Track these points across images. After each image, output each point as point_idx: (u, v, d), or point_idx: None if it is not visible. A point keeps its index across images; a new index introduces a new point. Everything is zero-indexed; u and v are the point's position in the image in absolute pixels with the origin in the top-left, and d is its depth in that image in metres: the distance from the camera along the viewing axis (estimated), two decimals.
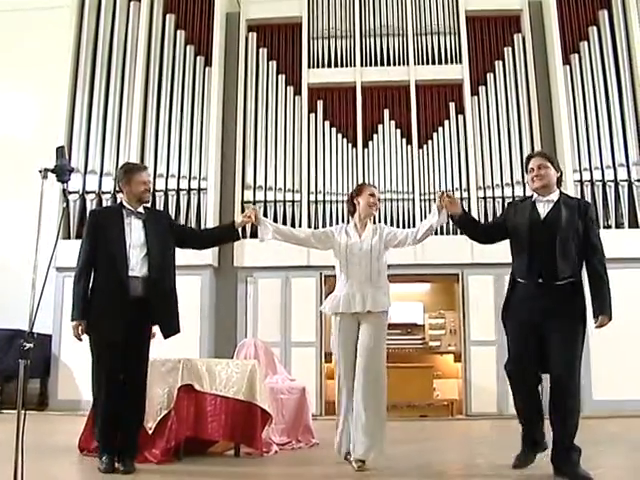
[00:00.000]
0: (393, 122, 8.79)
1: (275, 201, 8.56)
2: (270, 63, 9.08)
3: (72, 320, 3.86)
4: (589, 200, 8.00)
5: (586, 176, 8.15)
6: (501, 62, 8.83)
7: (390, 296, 4.19)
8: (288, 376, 5.70)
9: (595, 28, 8.60)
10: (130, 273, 3.87)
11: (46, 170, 3.28)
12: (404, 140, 8.71)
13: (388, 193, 8.44)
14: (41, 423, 6.39)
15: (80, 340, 3.87)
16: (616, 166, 8.12)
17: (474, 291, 8.04)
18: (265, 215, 8.45)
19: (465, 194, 8.40)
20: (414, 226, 8.24)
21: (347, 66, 9.01)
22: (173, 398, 4.19)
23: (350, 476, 3.81)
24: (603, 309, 3.67)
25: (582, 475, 3.45)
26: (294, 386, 5.33)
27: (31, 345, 3.01)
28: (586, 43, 8.56)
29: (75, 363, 7.85)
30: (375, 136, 8.76)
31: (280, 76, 9.02)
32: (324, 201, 8.54)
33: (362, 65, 8.98)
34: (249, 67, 9.09)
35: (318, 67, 9.03)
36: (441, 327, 8.32)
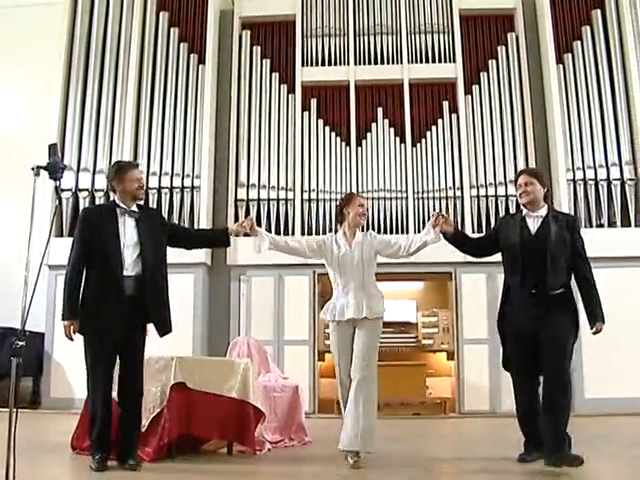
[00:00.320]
0: (387, 120, 8.80)
1: (268, 199, 8.55)
2: (264, 61, 9.06)
3: (64, 319, 3.83)
4: (582, 199, 8.10)
5: (579, 175, 8.17)
6: (495, 61, 8.84)
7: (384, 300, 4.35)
8: (281, 374, 5.70)
9: (588, 28, 8.62)
10: (124, 272, 3.86)
11: (38, 167, 3.27)
12: (397, 139, 8.71)
13: (381, 192, 8.46)
14: (33, 421, 6.38)
15: (72, 340, 3.85)
16: (609, 165, 8.15)
17: (467, 289, 8.07)
18: (258, 213, 8.47)
19: (458, 192, 8.42)
20: (407, 225, 8.29)
21: (341, 64, 9.01)
22: (166, 396, 4.18)
23: (343, 474, 3.82)
24: (597, 316, 3.95)
25: (573, 456, 3.61)
26: (287, 384, 5.33)
27: (23, 343, 3.01)
28: (579, 42, 8.58)
29: (68, 361, 7.82)
30: (368, 134, 8.77)
31: (274, 74, 9.01)
32: (317, 199, 8.53)
33: (356, 63, 8.99)
34: (243, 65, 9.08)
35: (312, 65, 9.03)
36: (434, 325, 8.33)
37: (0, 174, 9.01)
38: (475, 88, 8.79)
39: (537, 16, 8.94)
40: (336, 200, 8.14)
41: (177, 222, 8.14)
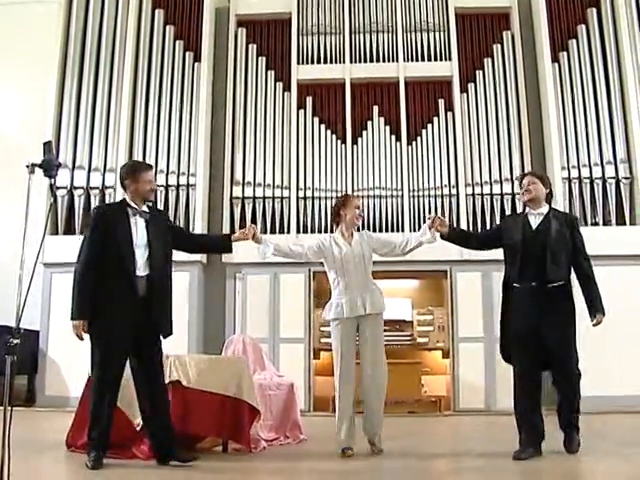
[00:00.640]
0: (382, 119, 8.79)
1: (264, 197, 8.53)
2: (259, 59, 9.05)
3: (73, 319, 3.81)
4: (577, 197, 8.13)
5: (574, 173, 8.20)
6: (490, 59, 8.85)
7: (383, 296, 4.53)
8: (276, 372, 5.70)
9: (584, 26, 8.64)
10: (137, 273, 3.87)
11: (33, 165, 3.25)
12: (393, 137, 8.71)
13: (377, 189, 8.46)
14: (28, 419, 6.38)
15: (82, 339, 3.84)
16: (604, 163, 8.17)
17: (462, 288, 8.07)
18: (254, 211, 8.46)
19: (454, 190, 8.42)
20: (402, 223, 8.29)
21: (336, 62, 9.00)
22: None
23: (338, 471, 3.84)
24: (598, 308, 4.17)
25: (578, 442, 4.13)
26: (282, 382, 5.32)
27: (18, 341, 3.00)
28: (575, 41, 8.59)
29: (63, 359, 7.82)
30: (364, 132, 8.77)
31: (269, 72, 9.00)
32: (313, 197, 8.52)
33: (351, 61, 8.98)
34: (238, 63, 9.06)
35: (307, 63, 9.02)
36: (429, 323, 8.32)
37: None
38: (471, 86, 8.80)
39: (533, 14, 8.95)
40: (332, 198, 8.17)
41: (172, 220, 8.13)
